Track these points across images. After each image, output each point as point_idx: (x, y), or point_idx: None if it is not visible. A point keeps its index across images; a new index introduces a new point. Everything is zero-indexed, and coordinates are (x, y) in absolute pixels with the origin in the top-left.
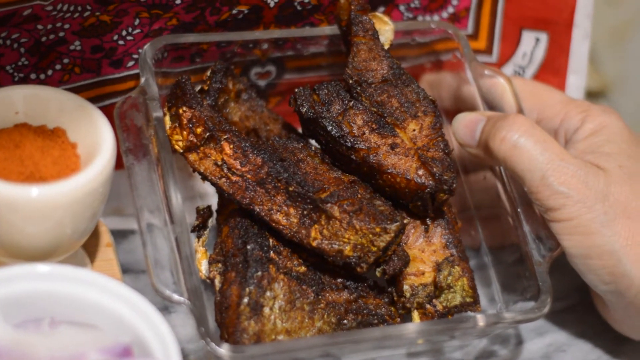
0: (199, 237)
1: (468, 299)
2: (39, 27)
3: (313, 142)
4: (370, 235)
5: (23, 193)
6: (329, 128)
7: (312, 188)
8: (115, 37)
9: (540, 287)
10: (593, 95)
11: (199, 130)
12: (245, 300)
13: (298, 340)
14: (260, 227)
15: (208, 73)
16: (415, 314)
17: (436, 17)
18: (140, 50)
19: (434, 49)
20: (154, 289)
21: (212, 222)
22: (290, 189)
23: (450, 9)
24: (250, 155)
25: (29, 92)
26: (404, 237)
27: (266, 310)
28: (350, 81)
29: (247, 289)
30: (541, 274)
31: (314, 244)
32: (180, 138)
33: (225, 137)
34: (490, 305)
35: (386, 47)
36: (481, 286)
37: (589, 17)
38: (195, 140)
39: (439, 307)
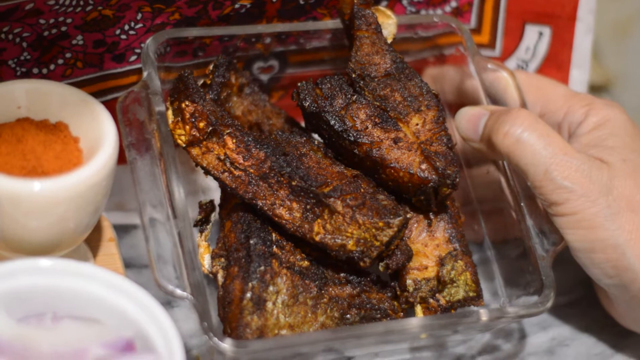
0: (201, 231)
1: (471, 294)
2: (41, 21)
3: (316, 136)
4: (373, 230)
5: (25, 187)
6: (332, 122)
7: (315, 182)
8: (118, 32)
9: (544, 281)
10: (596, 89)
11: (201, 124)
12: (248, 295)
13: (301, 335)
14: (263, 222)
15: (210, 67)
16: (419, 309)
17: (439, 11)
18: (142, 45)
19: (437, 43)
20: (157, 284)
21: (214, 216)
22: (293, 183)
23: (453, 3)
24: (253, 149)
25: (31, 86)
26: (407, 232)
27: (269, 305)
28: (353, 75)
29: (250, 284)
30: (544, 268)
31: (317, 238)
32: (183, 132)
33: (228, 131)
34: (493, 299)
35: (389, 41)
36: (484, 280)
37: (592, 11)
38: (197, 135)
39: (442, 301)
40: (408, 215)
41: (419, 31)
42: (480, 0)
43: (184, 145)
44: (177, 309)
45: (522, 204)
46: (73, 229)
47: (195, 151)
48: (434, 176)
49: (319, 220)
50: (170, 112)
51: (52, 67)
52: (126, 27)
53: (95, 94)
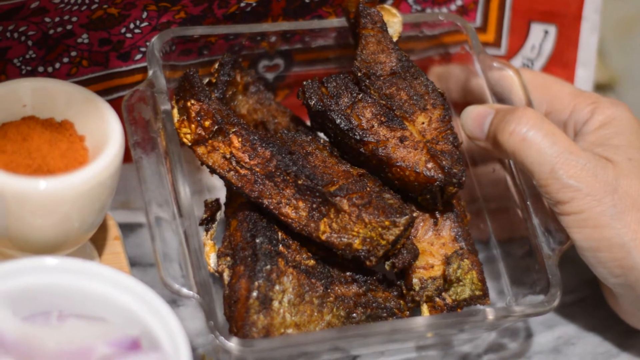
0: (207, 230)
1: (477, 292)
2: (47, 19)
3: (321, 135)
4: (380, 229)
5: (31, 186)
6: (338, 121)
7: (321, 181)
8: (123, 30)
9: (550, 280)
10: (601, 88)
11: (207, 123)
12: (255, 293)
13: (307, 334)
14: (269, 221)
15: (216, 66)
16: (425, 308)
17: (445, 10)
18: (148, 43)
19: (442, 41)
20: (163, 283)
21: (220, 215)
22: (299, 182)
23: (459, 1)
24: (259, 148)
25: (37, 84)
26: (413, 231)
27: (275, 303)
28: (359, 74)
29: (256, 283)
30: (551, 267)
31: (323, 237)
32: (189, 131)
33: (234, 130)
34: (499, 298)
35: (394, 39)
36: (490, 279)
37: (598, 10)
38: (203, 133)
39: (448, 300)
40: (414, 214)
41: (424, 30)
42: None
43: (189, 144)
44: (182, 308)
45: (528, 202)
46: (78, 228)
47: (200, 150)
48: (440, 175)
49: (325, 219)
50: (175, 111)
51: (57, 65)
52: (131, 26)
53: (101, 93)
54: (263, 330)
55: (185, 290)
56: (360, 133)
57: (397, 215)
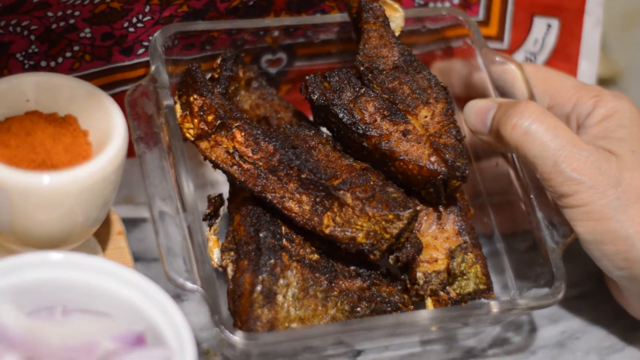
0: (210, 225)
1: (481, 286)
2: (49, 14)
3: (324, 129)
4: (383, 222)
5: (35, 181)
6: (341, 115)
7: (324, 175)
8: (126, 24)
9: (554, 273)
10: (604, 82)
11: (210, 118)
12: (259, 288)
13: (311, 328)
14: (272, 215)
15: (218, 61)
16: (429, 301)
17: (447, 4)
18: (150, 38)
19: (444, 35)
20: (167, 277)
21: (223, 210)
22: (303, 176)
23: None
24: (262, 142)
25: (40, 79)
26: (416, 224)
27: (279, 298)
28: (362, 68)
29: (260, 277)
30: (555, 260)
31: (327, 231)
32: (192, 126)
33: (237, 124)
34: (503, 292)
35: (397, 34)
36: (494, 273)
37: (601, 4)
38: (206, 128)
39: (453, 294)
40: (418, 208)
41: (426, 24)
42: None
43: (192, 138)
44: (186, 303)
45: (531, 196)
46: (82, 222)
47: (203, 145)
48: (443, 168)
49: (328, 213)
50: (178, 106)
51: (60, 60)
52: (134, 20)
53: (103, 87)
54: (267, 324)
55: (189, 284)
56: (363, 127)
57: (401, 209)
